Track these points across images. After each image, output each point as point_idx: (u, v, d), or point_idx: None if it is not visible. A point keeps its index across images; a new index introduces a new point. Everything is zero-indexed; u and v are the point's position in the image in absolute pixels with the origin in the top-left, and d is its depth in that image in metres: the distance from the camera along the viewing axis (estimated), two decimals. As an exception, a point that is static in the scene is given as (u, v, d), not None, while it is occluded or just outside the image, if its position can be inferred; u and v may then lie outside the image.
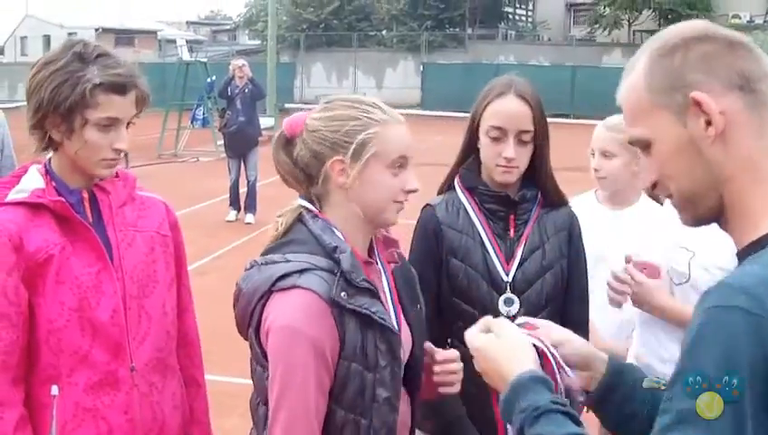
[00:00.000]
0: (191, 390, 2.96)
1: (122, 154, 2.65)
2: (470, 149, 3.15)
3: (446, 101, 37.21)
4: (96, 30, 65.80)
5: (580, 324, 3.08)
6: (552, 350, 1.96)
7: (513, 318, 2.53)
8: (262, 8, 55.47)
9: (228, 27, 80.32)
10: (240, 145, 14.40)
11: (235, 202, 14.49)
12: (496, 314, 2.90)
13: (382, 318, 2.29)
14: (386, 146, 2.32)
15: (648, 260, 3.32)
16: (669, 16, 46.27)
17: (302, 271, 2.25)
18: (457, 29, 52.93)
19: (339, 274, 2.25)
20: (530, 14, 59.36)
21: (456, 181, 3.17)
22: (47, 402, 2.59)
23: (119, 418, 2.65)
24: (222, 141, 16.21)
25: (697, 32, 1.65)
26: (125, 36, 68.67)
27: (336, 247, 2.29)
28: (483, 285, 3.04)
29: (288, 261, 2.28)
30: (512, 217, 3.10)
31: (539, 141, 3.05)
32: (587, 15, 52.30)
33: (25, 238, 2.52)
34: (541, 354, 1.93)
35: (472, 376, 2.18)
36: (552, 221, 3.14)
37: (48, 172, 2.67)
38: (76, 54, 2.53)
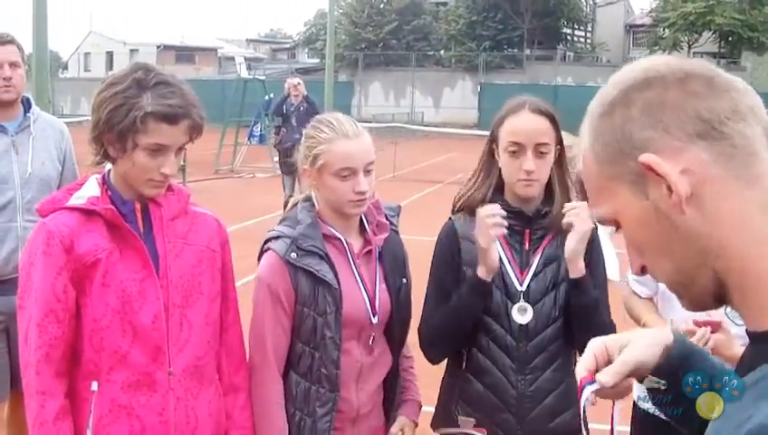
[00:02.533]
0: (232, 397, 3.05)
1: (170, 178, 2.76)
2: (488, 169, 3.25)
3: (503, 121, 37.12)
4: (157, 47, 66.81)
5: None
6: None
7: (525, 327, 3.10)
8: (321, 27, 55.99)
9: (288, 46, 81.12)
10: (294, 162, 14.50)
11: (289, 218, 14.53)
12: (510, 322, 3.13)
13: (324, 275, 3.01)
14: (331, 158, 3.00)
15: (708, 318, 3.27)
16: (730, 38, 45.95)
17: (276, 238, 3.09)
18: (515, 50, 52.99)
19: (291, 240, 3.04)
20: (588, 35, 59.24)
21: (476, 198, 3.24)
22: (87, 397, 2.74)
23: (152, 418, 2.76)
24: (278, 158, 16.37)
25: (637, 75, 1.33)
26: (185, 53, 69.63)
27: (299, 222, 3.09)
28: (497, 294, 3.14)
29: (273, 231, 3.14)
30: (527, 231, 3.20)
31: (560, 156, 3.19)
32: (646, 37, 52.09)
33: (76, 241, 2.68)
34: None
35: (487, 380, 3.17)
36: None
37: (105, 183, 2.82)
38: (135, 80, 2.65)
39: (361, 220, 3.21)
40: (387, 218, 3.25)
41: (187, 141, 2.74)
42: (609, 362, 1.65)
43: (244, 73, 25.92)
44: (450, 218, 3.32)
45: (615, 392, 1.69)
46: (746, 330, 1.30)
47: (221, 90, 35.99)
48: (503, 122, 3.16)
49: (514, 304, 3.13)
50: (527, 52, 52.46)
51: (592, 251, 3.20)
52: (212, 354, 2.94)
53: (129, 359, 2.72)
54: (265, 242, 3.14)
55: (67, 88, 53.26)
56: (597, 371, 1.64)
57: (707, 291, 1.31)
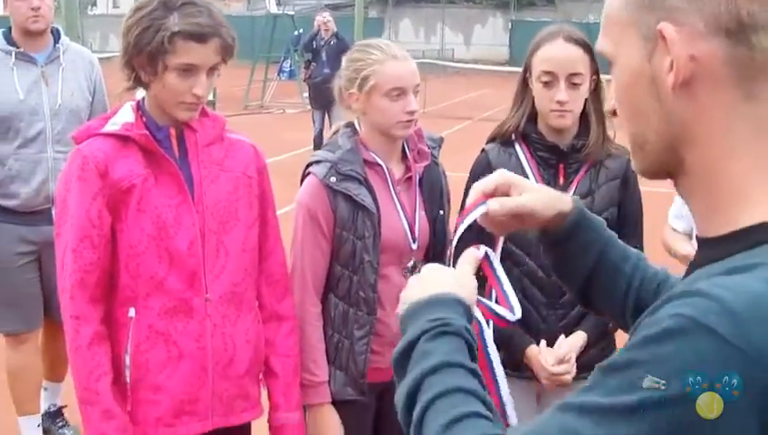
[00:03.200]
0: (274, 325, 3.05)
1: (203, 99, 2.73)
2: (521, 98, 3.24)
3: (534, 58, 36.81)
4: (186, -18, 66.36)
5: None
6: (502, 278, 1.77)
7: None
8: (351, -38, 55.36)
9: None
10: (324, 97, 14.51)
11: (319, 152, 14.60)
12: (541, 256, 2.99)
13: (363, 200, 3.05)
14: (382, 78, 3.04)
15: None
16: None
17: (317, 162, 3.13)
18: (548, -14, 52.24)
19: (331, 164, 3.07)
20: (623, -29, 58.35)
21: (510, 127, 3.25)
22: (125, 322, 2.76)
23: (190, 344, 2.79)
24: (308, 93, 16.35)
25: None
26: (215, -11, 69.16)
27: (339, 147, 3.13)
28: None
29: (314, 155, 3.20)
30: (561, 165, 3.18)
31: (597, 87, 3.15)
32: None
33: (111, 167, 2.68)
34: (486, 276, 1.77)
35: None
36: (604, 169, 3.19)
37: (140, 109, 2.82)
38: (162, 2, 2.63)
39: (403, 147, 3.25)
40: (428, 148, 3.27)
41: (219, 62, 2.72)
42: (507, 196, 1.71)
43: (274, 9, 25.69)
44: (483, 150, 3.30)
45: (498, 226, 1.75)
46: (696, 236, 1.32)
47: (250, 26, 35.76)
48: (536, 51, 3.13)
49: None
50: (559, -12, 51.80)
51: (627, 187, 3.19)
52: (249, 281, 2.95)
53: (166, 285, 2.74)
54: (307, 166, 3.19)
55: (96, 24, 53.06)
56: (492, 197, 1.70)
57: (663, 168, 1.31)
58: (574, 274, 1.77)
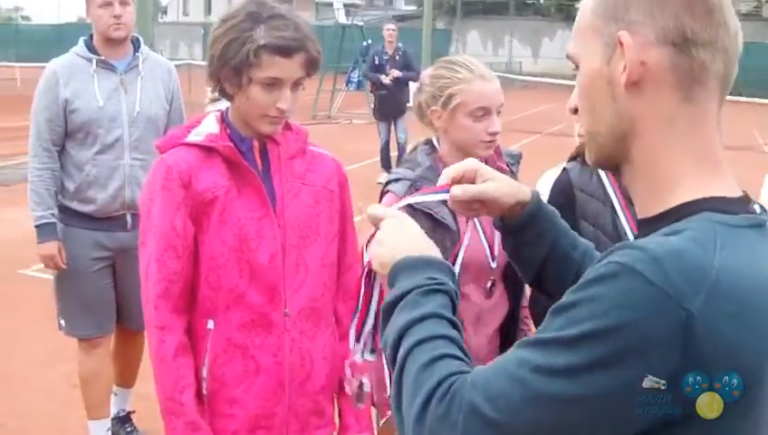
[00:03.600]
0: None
1: (286, 113, 2.72)
2: None
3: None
4: (256, -8, 66.92)
5: None
6: None
7: None
8: (419, -27, 55.46)
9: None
10: (390, 108, 14.64)
11: (386, 164, 14.63)
12: None
13: (443, 218, 3.02)
14: (468, 98, 3.02)
15: None
16: None
17: (396, 180, 3.12)
18: None
19: (410, 182, 3.06)
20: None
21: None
22: (203, 335, 2.75)
23: (267, 359, 2.76)
24: (373, 104, 16.41)
25: None
26: (283, -1, 69.65)
27: (419, 164, 3.13)
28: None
29: (394, 173, 3.18)
30: None
31: None
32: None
33: (194, 178, 2.68)
34: None
35: None
36: None
37: (224, 120, 2.81)
38: (249, 14, 2.62)
39: None
40: (507, 166, 3.25)
41: (304, 76, 2.70)
42: (472, 183, 1.90)
43: (343, 19, 25.83)
44: (565, 169, 3.24)
45: (463, 209, 1.94)
46: (637, 218, 1.54)
47: (318, 36, 35.86)
48: None
49: None
50: None
51: None
52: (328, 297, 2.92)
53: (246, 298, 2.72)
54: (386, 184, 3.17)
55: (166, 32, 53.84)
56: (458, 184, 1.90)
57: (612, 159, 1.53)
58: (529, 259, 1.98)
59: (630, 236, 2.99)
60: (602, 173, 3.11)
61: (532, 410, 1.32)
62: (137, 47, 4.78)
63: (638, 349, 1.26)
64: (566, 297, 1.35)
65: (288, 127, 2.87)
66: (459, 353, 1.50)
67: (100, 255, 4.76)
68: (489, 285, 3.16)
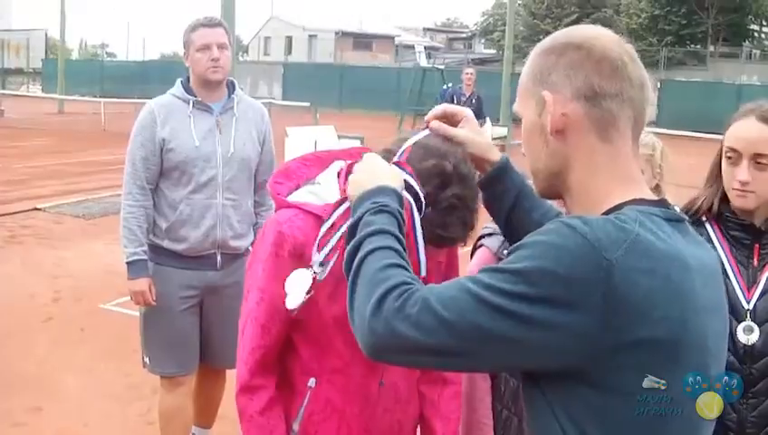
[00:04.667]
0: (440, 387, 2.95)
1: None
2: (715, 176, 3.07)
3: (684, 119, 36.08)
4: (336, 33, 67.75)
5: None
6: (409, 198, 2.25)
7: (751, 347, 2.88)
8: (499, 18, 55.76)
9: (464, 35, 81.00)
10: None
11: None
12: (735, 341, 2.90)
13: None
14: None
15: None
16: None
17: (489, 234, 3.06)
18: (698, 46, 51.41)
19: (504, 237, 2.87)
20: (778, 33, 56.90)
21: (703, 204, 3.08)
22: (302, 390, 2.68)
23: (359, 427, 2.71)
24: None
25: (579, 40, 1.83)
26: (363, 40, 70.46)
27: None
28: None
29: (486, 227, 3.06)
30: (756, 245, 2.99)
31: None
32: (841, 38, 49.63)
33: (308, 249, 2.54)
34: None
35: None
36: None
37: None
38: (427, 195, 2.33)
39: None
40: None
41: None
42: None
43: (423, 62, 26.01)
44: None
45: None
46: None
47: (397, 78, 36.21)
48: (729, 126, 2.98)
49: (740, 322, 2.91)
50: (711, 48, 50.82)
51: None
52: None
53: (350, 368, 2.66)
54: (479, 238, 3.09)
55: (247, 71, 54.48)
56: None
57: (553, 189, 1.89)
58: (498, 213, 2.41)
59: (742, 299, 2.93)
60: (712, 234, 3.02)
61: (475, 315, 1.62)
62: (232, 90, 4.84)
63: (565, 287, 1.58)
64: (519, 242, 1.69)
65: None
66: (406, 265, 1.82)
67: (188, 293, 4.79)
68: None
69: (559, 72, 1.80)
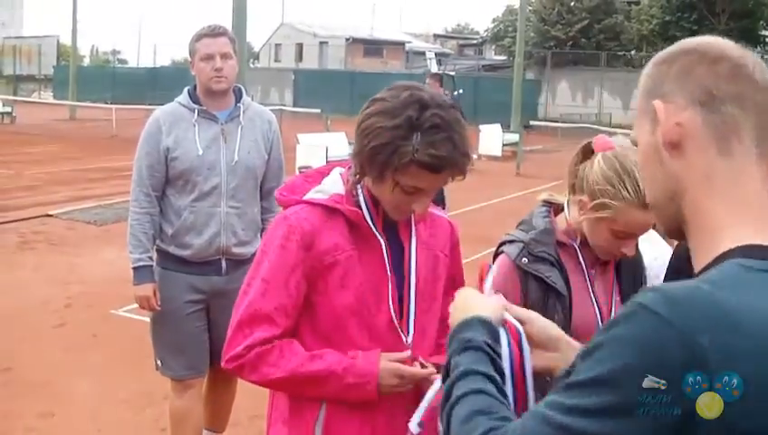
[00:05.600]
0: None
1: (420, 214, 2.71)
2: None
3: (694, 125, 36.07)
4: (347, 40, 67.79)
5: None
6: (518, 326, 2.02)
7: None
8: (509, 24, 55.68)
9: (475, 42, 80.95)
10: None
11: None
12: None
13: (554, 282, 2.92)
14: (620, 219, 2.82)
15: None
16: None
17: (510, 241, 3.03)
18: (710, 52, 51.17)
19: (523, 245, 2.98)
20: (789, 39, 56.71)
21: None
22: None
23: (382, 420, 2.73)
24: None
25: (692, 45, 1.65)
26: (374, 47, 70.43)
27: (533, 227, 3.03)
28: None
29: (508, 235, 3.08)
30: None
31: None
32: None
33: (317, 240, 2.64)
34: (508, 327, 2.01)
35: None
36: None
37: (349, 181, 2.73)
38: (408, 120, 2.46)
39: None
40: None
41: (446, 183, 2.65)
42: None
43: (434, 68, 26.03)
44: (681, 242, 3.14)
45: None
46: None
47: (408, 84, 36.11)
48: None
49: None
50: (722, 54, 50.50)
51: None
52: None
53: None
54: (500, 245, 3.11)
55: (258, 78, 54.63)
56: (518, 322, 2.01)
57: (673, 222, 1.65)
58: None
59: None
60: None
61: None
62: (239, 97, 4.88)
63: (647, 390, 1.35)
64: (593, 339, 1.46)
65: None
66: (493, 402, 1.65)
67: (194, 298, 4.84)
68: None
69: (670, 79, 1.61)
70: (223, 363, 2.70)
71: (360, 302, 2.67)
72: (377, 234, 2.70)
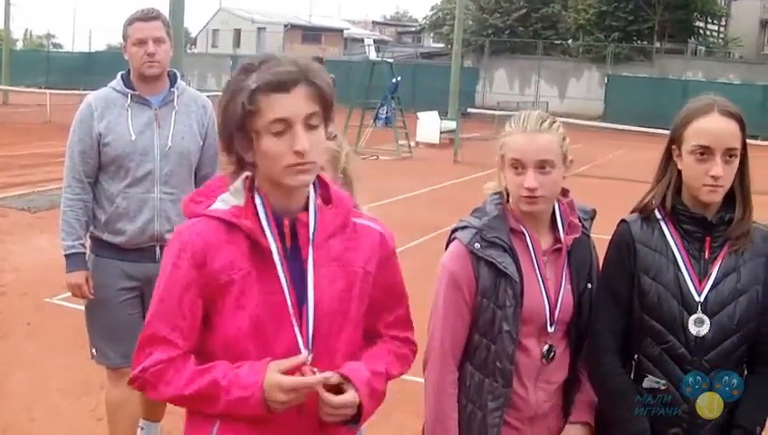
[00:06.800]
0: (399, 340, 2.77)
1: (308, 156, 2.36)
2: (665, 171, 3.11)
3: (630, 114, 36.57)
4: (285, 26, 67.50)
5: None
6: None
7: (702, 339, 2.92)
8: (448, 12, 55.79)
9: (413, 29, 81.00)
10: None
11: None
12: (686, 333, 2.96)
13: (506, 268, 2.99)
14: (507, 150, 3.03)
15: None
16: None
17: (463, 227, 3.09)
18: (645, 42, 51.85)
19: (476, 230, 3.04)
20: (722, 30, 57.62)
21: (654, 200, 3.13)
22: (210, 422, 2.51)
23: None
24: (403, 142, 16.43)
25: None
26: (312, 33, 70.23)
27: (486, 213, 3.09)
28: (673, 304, 2.99)
29: (461, 221, 3.13)
30: (708, 238, 3.04)
31: (742, 161, 3.01)
32: (783, 34, 50.32)
33: (210, 257, 2.42)
34: None
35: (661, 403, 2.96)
36: (751, 245, 3.04)
37: (251, 189, 2.51)
38: (243, 67, 2.40)
39: (554, 218, 3.14)
40: (580, 220, 3.18)
41: (316, 111, 2.38)
42: None
43: (373, 56, 26.02)
44: (625, 221, 3.17)
45: None
46: None
47: (347, 71, 36.14)
48: (690, 123, 3.00)
49: (691, 314, 2.97)
50: (657, 44, 51.26)
51: None
52: None
53: None
54: (453, 231, 3.14)
55: (195, 63, 54.16)
56: None
57: None
58: None
59: (693, 291, 2.99)
60: (665, 228, 3.07)
61: None
62: (173, 82, 4.83)
63: None
64: None
65: (328, 199, 2.58)
66: None
67: (127, 285, 4.79)
68: (546, 349, 3.08)
69: None
70: (128, 382, 2.53)
71: (256, 324, 2.44)
72: (273, 249, 2.44)
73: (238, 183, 2.50)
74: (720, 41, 57.07)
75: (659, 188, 3.11)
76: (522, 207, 3.04)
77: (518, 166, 2.99)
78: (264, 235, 2.44)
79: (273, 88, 2.32)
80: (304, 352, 2.46)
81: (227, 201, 2.48)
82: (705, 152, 2.95)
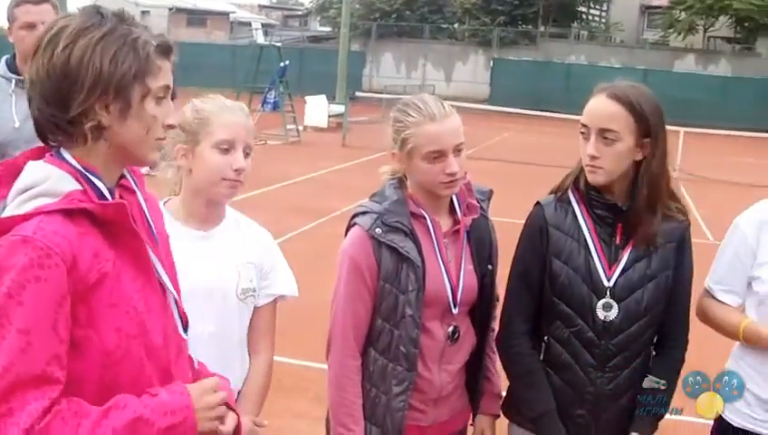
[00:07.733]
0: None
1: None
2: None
3: (515, 97, 37.12)
4: (169, 9, 66.42)
5: (676, 337, 3.16)
6: None
7: (610, 323, 2.99)
8: (335, -5, 55.58)
9: (300, 13, 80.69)
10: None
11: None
12: (594, 317, 3.03)
13: (408, 252, 3.00)
14: (419, 141, 2.98)
15: None
16: (746, 24, 45.54)
17: (363, 213, 3.09)
18: (530, 26, 52.58)
19: (377, 215, 3.03)
20: (603, 14, 58.72)
21: (570, 183, 3.16)
22: None
23: None
24: (291, 126, 16.38)
25: None
26: (197, 17, 69.26)
27: (386, 198, 3.08)
28: (583, 289, 3.04)
29: (361, 206, 3.13)
30: (619, 224, 3.08)
31: (653, 152, 3.00)
32: (661, 19, 51.57)
33: (77, 255, 1.97)
34: None
35: (566, 375, 3.03)
36: (662, 231, 3.07)
37: (74, 169, 2.07)
38: (117, 16, 2.05)
39: (452, 200, 3.17)
40: (477, 202, 3.19)
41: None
42: None
43: (260, 39, 25.81)
44: (539, 203, 3.19)
45: None
46: None
47: (232, 55, 35.80)
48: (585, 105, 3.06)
49: (600, 299, 3.03)
50: (541, 29, 52.00)
51: (683, 252, 3.13)
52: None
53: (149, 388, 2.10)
54: (353, 217, 3.14)
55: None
56: None
57: None
58: None
59: (603, 276, 3.03)
60: (578, 211, 3.09)
61: None
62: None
63: None
64: None
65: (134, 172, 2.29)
66: None
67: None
68: (450, 330, 3.12)
69: None
70: None
71: (137, 320, 2.07)
72: (135, 227, 2.08)
73: (51, 170, 2.05)
74: (602, 25, 58.20)
75: (573, 170, 3.15)
76: (442, 192, 3.05)
77: (438, 155, 2.98)
78: (129, 214, 2.06)
79: (165, 52, 2.11)
80: (214, 377, 2.24)
81: (53, 192, 2.02)
82: (585, 132, 3.01)
